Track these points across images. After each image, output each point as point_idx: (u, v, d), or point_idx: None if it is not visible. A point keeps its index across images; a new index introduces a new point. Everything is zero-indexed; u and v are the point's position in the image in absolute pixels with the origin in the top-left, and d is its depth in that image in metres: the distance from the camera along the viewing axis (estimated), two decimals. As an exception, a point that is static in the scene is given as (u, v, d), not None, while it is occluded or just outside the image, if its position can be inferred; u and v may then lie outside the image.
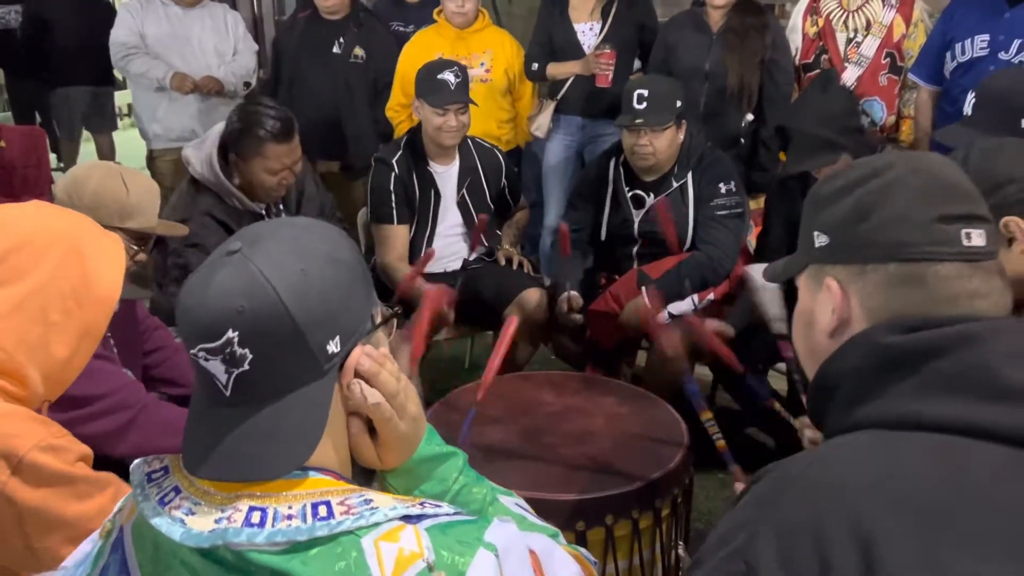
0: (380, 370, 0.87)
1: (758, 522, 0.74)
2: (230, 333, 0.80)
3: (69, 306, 1.21)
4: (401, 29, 4.11)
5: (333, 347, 0.84)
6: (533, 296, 2.91)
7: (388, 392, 0.88)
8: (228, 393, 0.82)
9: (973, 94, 2.09)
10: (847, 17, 3.26)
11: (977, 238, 0.86)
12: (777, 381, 3.03)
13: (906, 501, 0.71)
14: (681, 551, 1.98)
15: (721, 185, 2.79)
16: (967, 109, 2.08)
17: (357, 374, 0.87)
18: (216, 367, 0.81)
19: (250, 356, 0.80)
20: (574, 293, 2.81)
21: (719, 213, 2.78)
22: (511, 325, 1.88)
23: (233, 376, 0.81)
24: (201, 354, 0.81)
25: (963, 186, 0.89)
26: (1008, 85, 2.03)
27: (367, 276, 0.91)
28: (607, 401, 2.19)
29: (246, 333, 0.80)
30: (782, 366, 2.86)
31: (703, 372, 3.04)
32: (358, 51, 3.84)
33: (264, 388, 0.82)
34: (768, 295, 2.40)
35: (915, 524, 0.69)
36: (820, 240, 0.92)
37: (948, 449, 0.74)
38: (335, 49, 3.85)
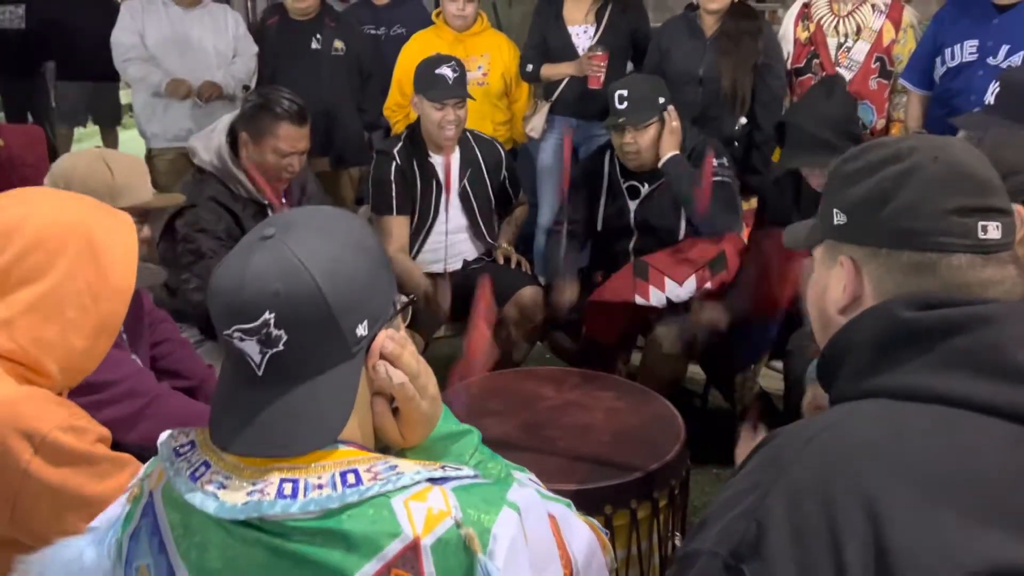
0: (403, 352, 0.91)
1: (769, 484, 0.77)
2: (267, 315, 0.83)
3: (85, 302, 1.23)
4: (372, 32, 4.16)
5: (362, 330, 0.87)
6: (529, 294, 2.95)
7: (410, 373, 0.91)
8: (261, 373, 0.85)
9: (996, 84, 2.12)
10: (838, 22, 3.31)
11: (993, 230, 0.87)
12: (771, 380, 3.07)
13: (912, 467, 0.74)
14: (678, 541, 2.02)
15: (713, 160, 2.83)
16: (989, 99, 2.12)
17: (381, 356, 0.90)
18: (251, 347, 0.84)
19: (285, 337, 0.83)
20: (570, 281, 2.85)
21: (712, 180, 2.79)
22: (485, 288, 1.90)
23: (267, 356, 0.84)
24: (237, 334, 0.84)
25: (982, 176, 0.90)
26: None
27: (388, 263, 0.95)
28: (605, 396, 2.23)
29: (282, 315, 0.83)
30: (777, 364, 2.90)
31: (696, 371, 3.08)
32: (338, 44, 3.91)
33: (296, 368, 0.86)
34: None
35: (919, 489, 0.72)
36: (838, 218, 0.94)
37: (955, 422, 0.77)
38: (314, 46, 3.90)
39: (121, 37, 3.87)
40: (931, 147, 0.91)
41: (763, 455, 0.83)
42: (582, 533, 0.95)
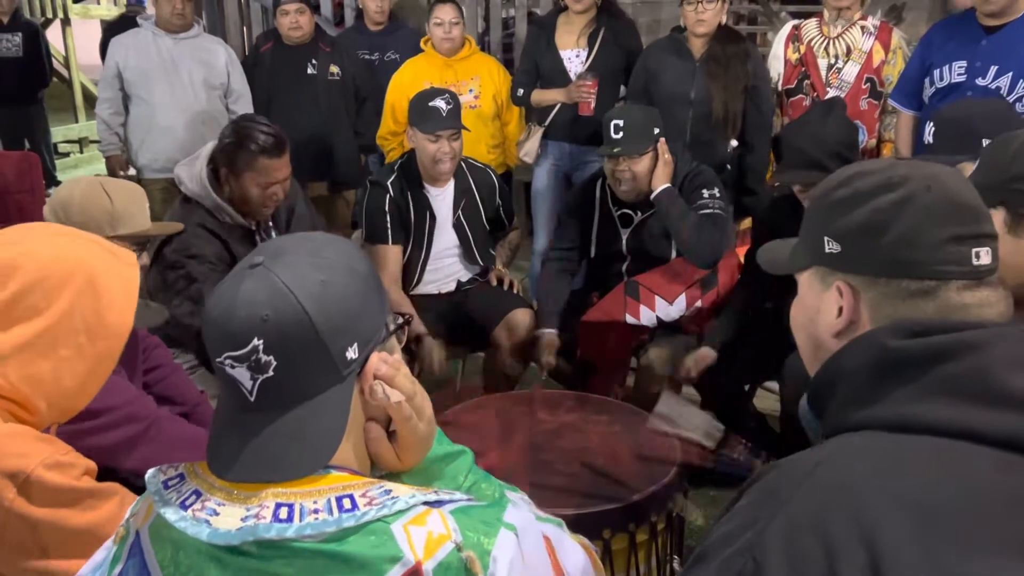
0: (396, 373, 0.91)
1: (766, 520, 0.76)
2: (255, 341, 0.83)
3: (81, 342, 1.22)
4: (367, 57, 4.19)
5: (352, 353, 0.87)
6: (521, 317, 2.95)
7: (406, 394, 0.91)
8: (253, 399, 0.86)
9: (931, 124, 2.19)
10: (828, 44, 3.35)
11: (985, 256, 0.88)
12: (765, 401, 3.07)
13: (909, 501, 0.73)
14: (676, 564, 2.00)
15: (704, 191, 2.85)
16: (928, 139, 2.19)
17: (375, 378, 0.90)
18: (242, 374, 0.85)
19: (274, 363, 0.84)
20: (551, 333, 2.86)
21: (702, 212, 2.81)
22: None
23: (258, 382, 0.85)
24: (228, 362, 0.85)
25: (973, 203, 0.91)
26: (963, 113, 2.17)
27: (381, 286, 0.95)
28: (601, 419, 2.22)
29: (270, 341, 0.84)
30: (772, 385, 2.90)
31: (689, 392, 3.08)
32: (333, 69, 3.96)
33: (287, 393, 0.86)
34: (688, 418, 2.40)
35: (918, 523, 0.71)
36: (830, 246, 0.94)
37: (949, 452, 0.77)
38: (310, 71, 3.95)
39: (105, 75, 3.92)
40: (923, 176, 0.91)
41: (759, 490, 0.82)
42: (576, 554, 0.96)
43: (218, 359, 0.86)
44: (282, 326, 0.83)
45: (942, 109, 2.29)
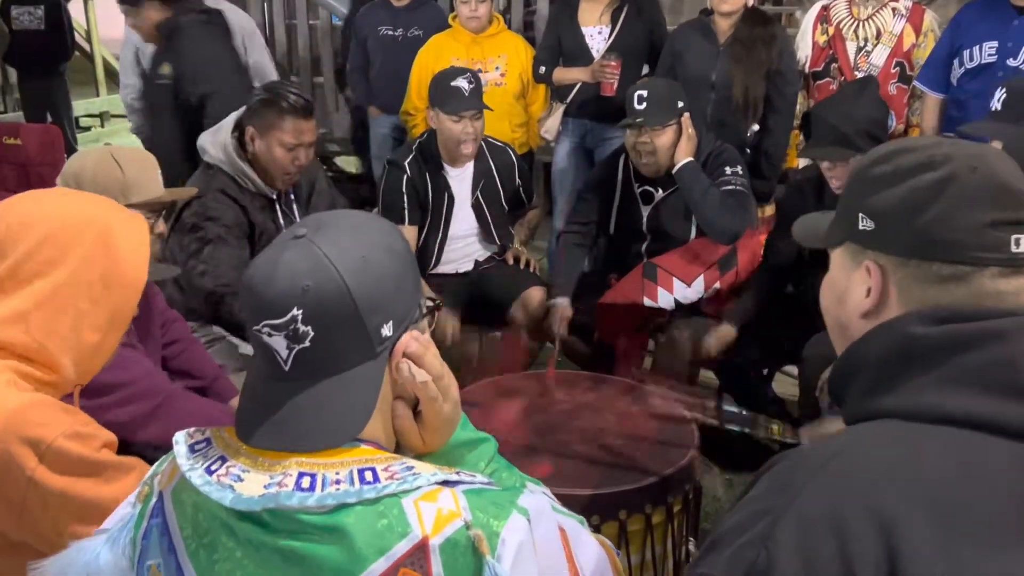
0: (426, 353, 0.91)
1: (779, 510, 0.75)
2: (295, 311, 0.84)
3: (97, 293, 1.24)
4: (390, 33, 4.16)
5: (386, 330, 0.88)
6: (536, 295, 2.95)
7: (434, 374, 0.92)
8: (287, 368, 0.87)
9: (1003, 90, 2.18)
10: (857, 26, 3.29)
11: None
12: (785, 386, 3.05)
13: (926, 494, 0.72)
14: (692, 546, 2.00)
15: (727, 168, 2.82)
16: (996, 105, 2.18)
17: (405, 356, 0.91)
18: (278, 342, 0.86)
19: (312, 333, 0.85)
20: (563, 304, 2.84)
21: (725, 188, 2.79)
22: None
23: (294, 352, 0.86)
24: (265, 329, 0.86)
25: (1018, 188, 0.86)
26: None
27: (416, 267, 0.96)
28: (618, 400, 2.21)
29: (310, 311, 0.85)
30: (791, 369, 2.88)
31: (708, 376, 3.07)
32: (165, 69, 3.52)
33: (321, 365, 0.87)
34: None
35: (935, 516, 0.70)
36: (864, 223, 0.90)
37: (968, 443, 0.75)
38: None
39: (126, 54, 3.90)
40: (967, 156, 0.87)
41: (774, 478, 0.81)
42: (592, 550, 0.95)
43: (255, 326, 0.87)
44: (322, 298, 0.85)
45: (1012, 79, 2.25)
